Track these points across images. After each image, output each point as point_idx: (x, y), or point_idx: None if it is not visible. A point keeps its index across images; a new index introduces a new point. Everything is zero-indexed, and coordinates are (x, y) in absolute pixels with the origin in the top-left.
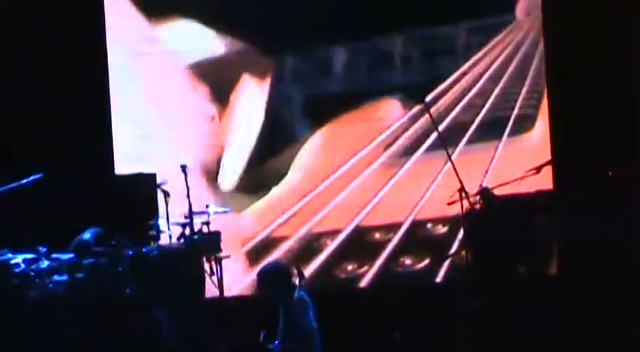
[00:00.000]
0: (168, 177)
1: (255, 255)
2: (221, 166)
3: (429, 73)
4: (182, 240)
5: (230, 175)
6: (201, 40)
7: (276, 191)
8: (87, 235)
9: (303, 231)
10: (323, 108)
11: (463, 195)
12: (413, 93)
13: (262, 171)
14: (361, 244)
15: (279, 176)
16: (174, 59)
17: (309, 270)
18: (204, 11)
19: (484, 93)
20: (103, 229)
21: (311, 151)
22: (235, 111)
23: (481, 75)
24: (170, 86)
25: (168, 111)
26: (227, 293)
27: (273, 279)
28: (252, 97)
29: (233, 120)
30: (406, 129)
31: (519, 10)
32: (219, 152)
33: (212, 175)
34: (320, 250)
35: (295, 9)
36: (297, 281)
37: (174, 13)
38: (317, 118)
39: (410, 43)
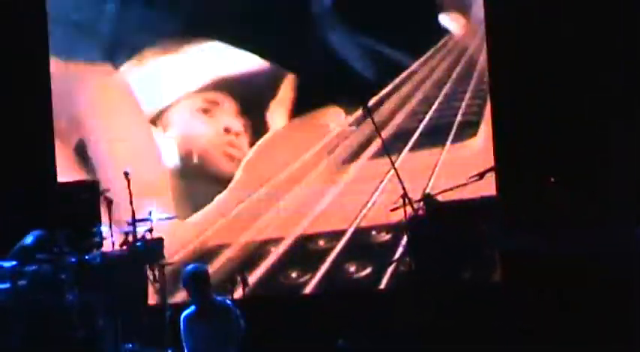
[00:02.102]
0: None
1: (198, 261)
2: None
3: None
4: (125, 247)
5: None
6: None
7: (219, 198)
8: (29, 239)
9: (246, 239)
10: None
11: (406, 201)
12: (355, 99)
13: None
14: (305, 251)
15: (222, 182)
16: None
17: (253, 277)
18: None
19: (427, 100)
20: (46, 232)
21: (254, 158)
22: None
23: (424, 81)
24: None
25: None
26: (170, 301)
27: (183, 282)
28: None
29: None
30: (349, 136)
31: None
32: None
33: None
34: (264, 257)
35: None
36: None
37: None
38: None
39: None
